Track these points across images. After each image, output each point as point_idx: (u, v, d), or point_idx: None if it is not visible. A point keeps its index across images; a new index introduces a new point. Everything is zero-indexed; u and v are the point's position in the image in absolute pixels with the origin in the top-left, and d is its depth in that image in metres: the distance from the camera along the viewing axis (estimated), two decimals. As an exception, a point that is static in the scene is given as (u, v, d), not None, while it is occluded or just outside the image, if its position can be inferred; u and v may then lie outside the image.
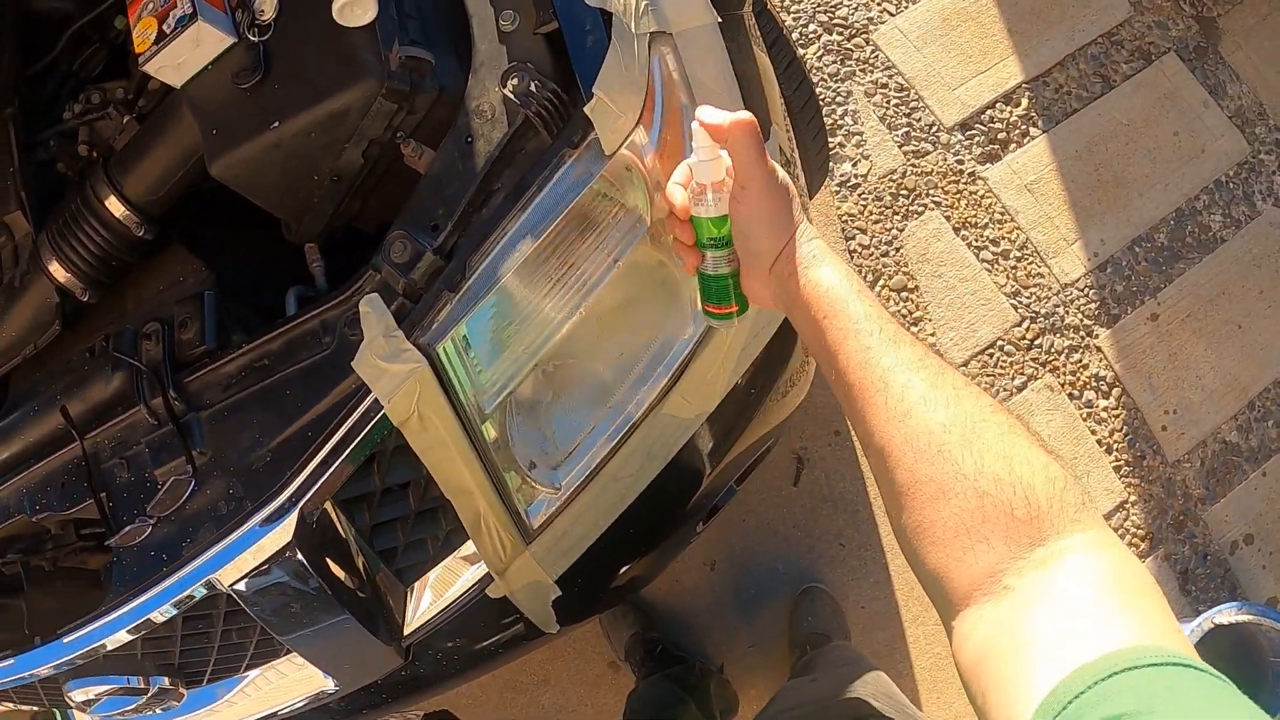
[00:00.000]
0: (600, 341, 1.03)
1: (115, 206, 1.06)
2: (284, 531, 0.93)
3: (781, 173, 0.67)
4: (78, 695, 1.15)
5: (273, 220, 1.17)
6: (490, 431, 0.98)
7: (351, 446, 0.91)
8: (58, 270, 1.09)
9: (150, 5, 0.99)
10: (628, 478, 1.11)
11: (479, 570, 1.12)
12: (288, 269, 1.16)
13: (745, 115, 0.64)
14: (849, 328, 0.58)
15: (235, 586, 0.97)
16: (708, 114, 0.65)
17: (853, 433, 1.61)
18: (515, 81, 0.90)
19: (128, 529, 0.99)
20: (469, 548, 1.12)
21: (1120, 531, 1.69)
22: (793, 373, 1.21)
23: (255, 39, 0.95)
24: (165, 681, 1.15)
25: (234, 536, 0.94)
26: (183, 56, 0.98)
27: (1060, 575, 0.45)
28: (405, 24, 0.98)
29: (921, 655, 1.65)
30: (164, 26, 0.96)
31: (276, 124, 0.94)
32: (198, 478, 0.96)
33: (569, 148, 0.90)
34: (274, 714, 1.27)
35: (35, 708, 1.30)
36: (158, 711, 1.23)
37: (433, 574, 1.12)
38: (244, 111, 0.96)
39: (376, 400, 0.89)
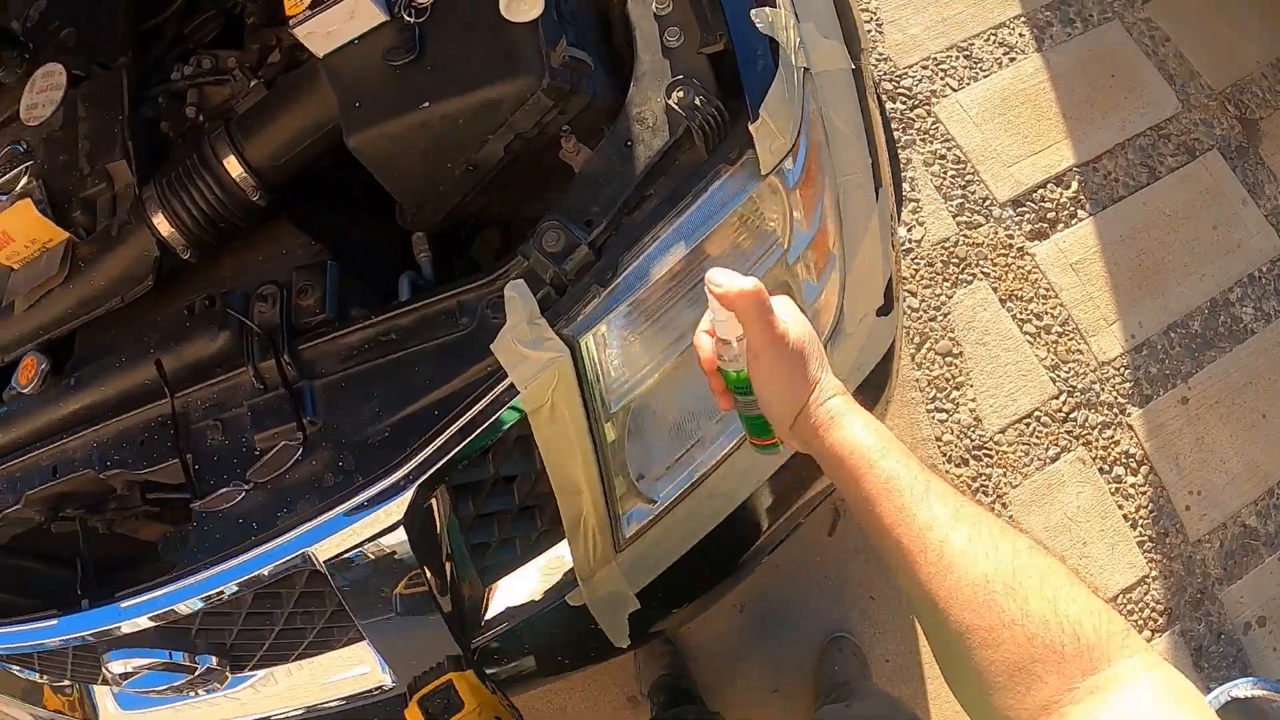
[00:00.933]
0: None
1: (234, 167, 1.06)
2: (395, 509, 0.92)
3: (796, 330, 0.67)
4: (116, 667, 1.10)
5: (378, 207, 1.18)
6: (610, 432, 0.98)
7: (481, 429, 0.90)
8: (162, 223, 1.07)
9: (308, -28, 1.01)
10: (721, 496, 1.12)
11: (557, 577, 1.11)
12: (391, 257, 1.16)
13: (750, 285, 0.64)
14: (881, 487, 0.60)
15: (330, 562, 0.95)
16: (717, 278, 0.65)
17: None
18: (681, 94, 0.93)
19: (221, 491, 0.97)
20: (554, 553, 1.11)
21: (1140, 605, 1.73)
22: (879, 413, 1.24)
23: (411, 19, 0.96)
24: (214, 661, 1.11)
25: (341, 509, 0.92)
26: (334, 26, 0.99)
27: (1116, 696, 0.47)
28: (564, 27, 1.01)
29: (943, 712, 1.66)
30: (321, -7, 0.98)
31: (427, 104, 0.95)
32: (305, 446, 0.94)
33: (725, 163, 0.93)
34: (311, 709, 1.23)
35: (56, 679, 1.23)
36: (198, 693, 1.18)
37: (512, 577, 1.11)
38: (391, 89, 0.97)
39: (511, 385, 0.89)
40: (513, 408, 0.90)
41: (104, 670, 1.10)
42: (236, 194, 1.07)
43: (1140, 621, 1.73)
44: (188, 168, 1.07)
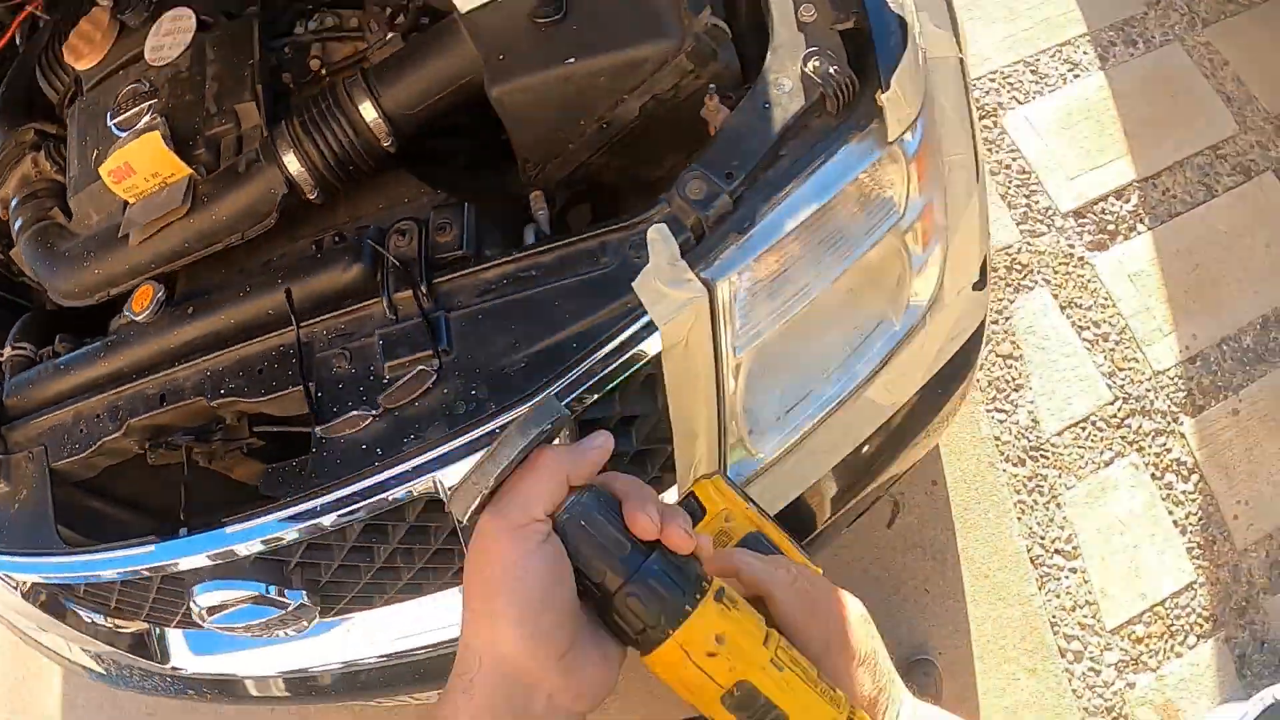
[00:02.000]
0: (836, 315, 1.10)
1: (369, 112, 1.10)
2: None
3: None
4: (205, 599, 1.12)
5: (489, 166, 1.22)
6: (731, 381, 1.03)
7: (617, 363, 0.94)
8: (292, 162, 1.11)
9: (456, -70, 1.06)
10: (821, 454, 1.16)
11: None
12: (509, 209, 1.20)
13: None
14: None
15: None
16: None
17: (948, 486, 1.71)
18: (816, 63, 0.98)
19: (347, 416, 1.00)
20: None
21: (1186, 611, 1.77)
22: (956, 401, 1.28)
23: None
24: (305, 598, 1.13)
25: (475, 434, 0.95)
26: None
27: None
28: (706, -1, 1.06)
29: (992, 708, 1.69)
30: (472, -46, 1.03)
31: (572, 60, 1.01)
32: (438, 374, 0.98)
33: (855, 130, 0.99)
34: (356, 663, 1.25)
35: (128, 619, 1.25)
36: (286, 633, 1.20)
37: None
38: (537, 44, 1.02)
39: (649, 323, 0.93)
40: (649, 344, 0.94)
41: (191, 604, 1.12)
42: (369, 138, 1.12)
43: (1186, 627, 1.77)
44: (322, 111, 1.12)
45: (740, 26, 1.09)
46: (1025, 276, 1.93)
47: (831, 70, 0.99)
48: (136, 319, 1.15)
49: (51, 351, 1.29)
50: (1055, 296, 1.91)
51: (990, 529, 1.78)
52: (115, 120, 1.24)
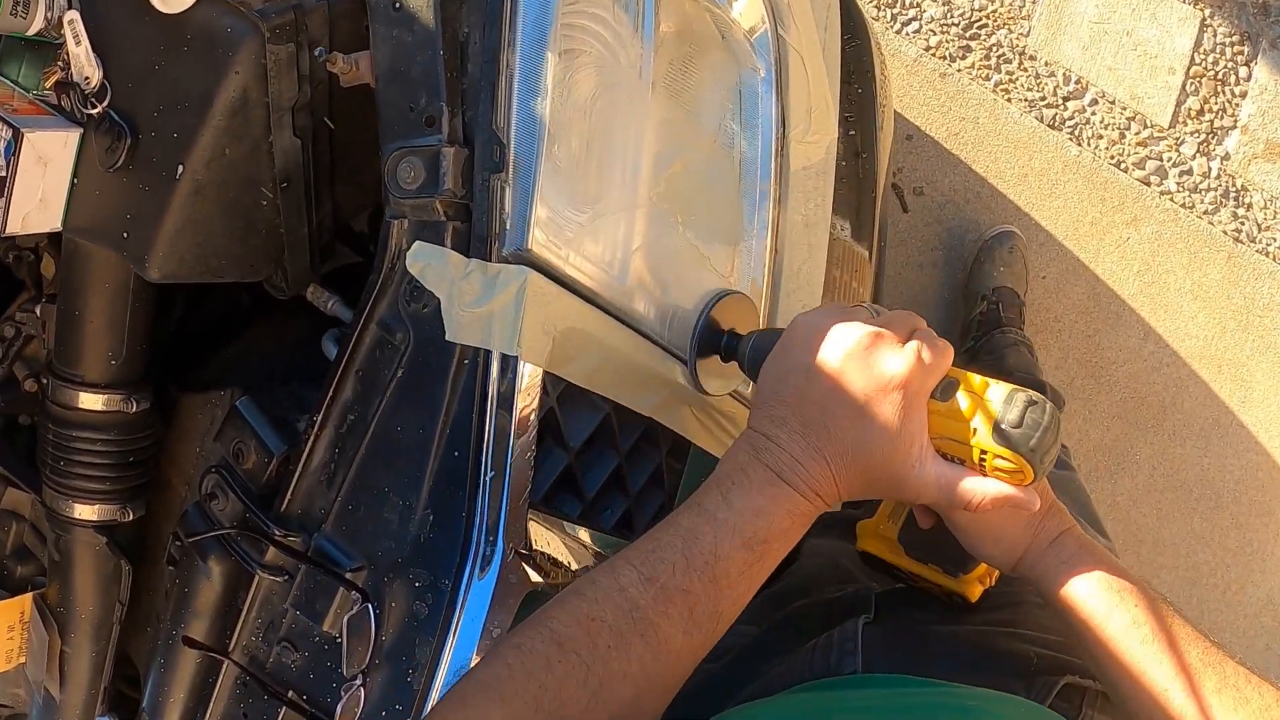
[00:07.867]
0: (693, 128, 0.70)
1: (89, 401, 0.77)
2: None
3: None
4: None
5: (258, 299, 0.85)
6: (640, 303, 0.66)
7: (519, 435, 0.59)
8: (84, 511, 0.80)
9: (-41, 171, 0.66)
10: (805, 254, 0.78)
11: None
12: (304, 333, 0.85)
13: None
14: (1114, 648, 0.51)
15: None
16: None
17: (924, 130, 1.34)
18: None
19: (345, 700, 0.68)
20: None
21: (1218, 50, 1.36)
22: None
23: (98, 109, 0.63)
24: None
25: (457, 626, 0.63)
26: (39, 189, 0.67)
27: None
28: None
29: (1127, 279, 1.34)
30: (-6, 173, 0.64)
31: (180, 167, 0.63)
32: (371, 598, 0.65)
33: None
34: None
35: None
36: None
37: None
38: (139, 189, 0.65)
39: (505, 358, 0.58)
40: (530, 376, 0.59)
41: None
42: (115, 421, 0.79)
43: (1229, 64, 1.36)
44: (54, 441, 0.79)
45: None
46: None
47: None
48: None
49: None
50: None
51: (994, 132, 1.39)
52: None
